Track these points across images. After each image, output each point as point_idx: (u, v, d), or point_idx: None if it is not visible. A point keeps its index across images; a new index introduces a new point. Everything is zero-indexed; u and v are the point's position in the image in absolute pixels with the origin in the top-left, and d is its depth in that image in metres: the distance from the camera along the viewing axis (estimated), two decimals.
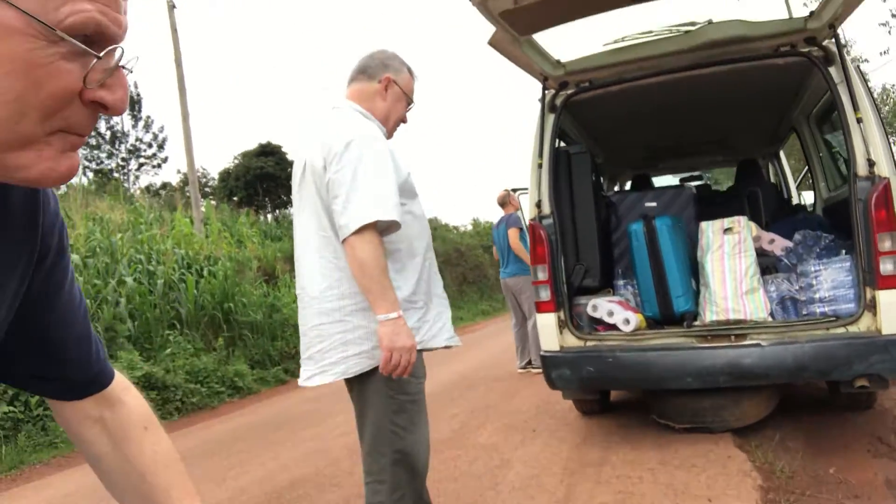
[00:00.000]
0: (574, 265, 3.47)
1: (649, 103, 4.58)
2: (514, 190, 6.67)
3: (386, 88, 2.00)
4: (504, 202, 7.27)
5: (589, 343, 3.22)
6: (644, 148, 5.37)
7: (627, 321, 3.19)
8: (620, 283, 3.51)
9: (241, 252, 14.85)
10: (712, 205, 4.27)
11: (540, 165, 3.41)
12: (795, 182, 5.95)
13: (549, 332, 3.21)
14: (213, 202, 26.18)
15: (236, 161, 29.43)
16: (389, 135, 2.03)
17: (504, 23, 2.94)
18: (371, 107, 1.98)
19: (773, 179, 5.87)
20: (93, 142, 29.42)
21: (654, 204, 3.60)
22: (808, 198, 6.27)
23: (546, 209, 3.40)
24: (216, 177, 31.05)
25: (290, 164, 20.65)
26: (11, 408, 6.77)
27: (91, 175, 28.73)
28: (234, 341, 10.81)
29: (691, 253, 3.28)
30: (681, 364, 2.97)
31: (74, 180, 19.47)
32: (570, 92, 3.46)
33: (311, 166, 1.88)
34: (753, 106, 4.26)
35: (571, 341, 3.22)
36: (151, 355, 9.26)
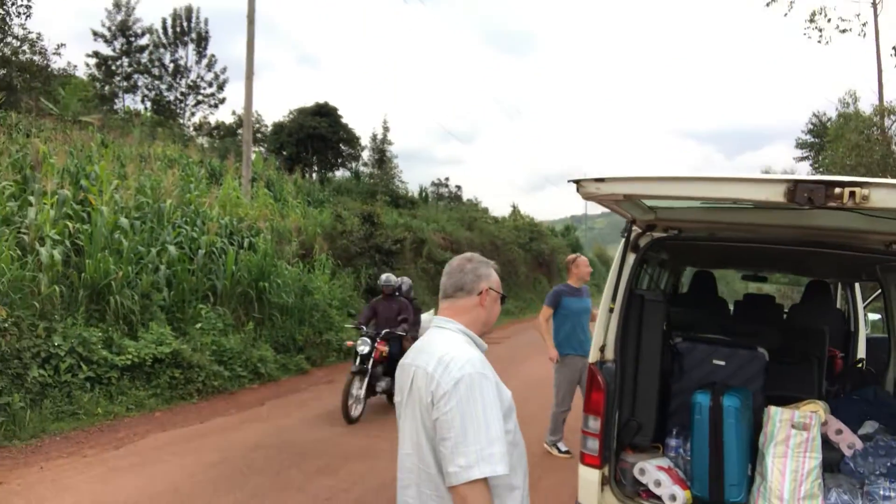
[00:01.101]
0: (628, 419, 3.34)
1: (736, 257, 4.39)
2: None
3: (485, 298, 1.97)
4: (568, 267, 6.45)
5: None
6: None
7: (674, 497, 3.06)
8: (672, 442, 3.36)
9: (284, 222, 14.91)
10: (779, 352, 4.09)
11: (611, 310, 3.28)
12: (864, 304, 5.69)
13: (590, 488, 3.11)
14: (262, 153, 26.33)
15: (291, 116, 29.46)
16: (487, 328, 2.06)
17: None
18: (474, 318, 1.99)
19: (840, 304, 5.64)
20: (155, 72, 29.62)
21: (722, 363, 3.43)
22: (871, 316, 6.00)
23: (609, 355, 3.28)
24: (269, 125, 31.17)
25: (343, 127, 20.64)
26: (42, 371, 6.90)
27: (150, 104, 29.04)
28: (262, 322, 10.89)
29: (754, 434, 3.14)
30: None
31: (133, 105, 19.57)
32: (657, 236, 3.30)
33: (418, 388, 1.83)
34: (845, 269, 4.04)
35: (611, 502, 3.12)
36: (182, 328, 9.38)
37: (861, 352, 5.20)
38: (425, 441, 1.79)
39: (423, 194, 32.96)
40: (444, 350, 1.83)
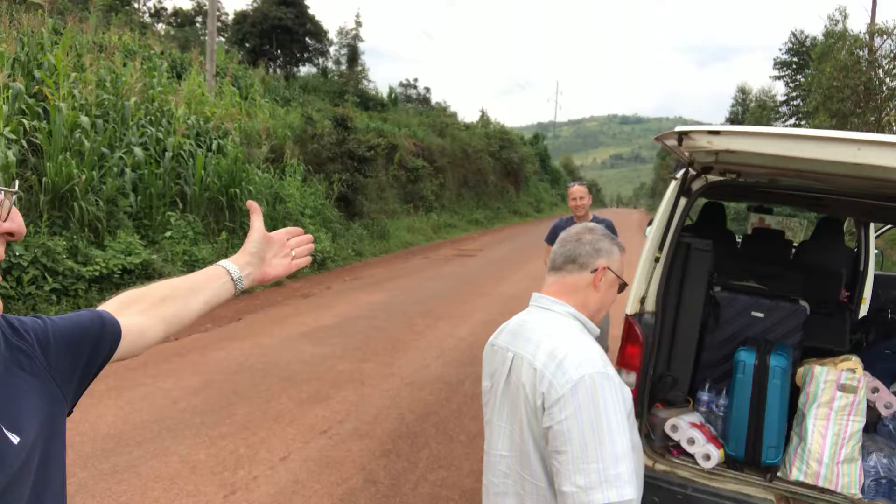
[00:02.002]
0: (662, 373, 3.16)
1: (790, 201, 4.11)
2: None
3: (600, 278, 1.63)
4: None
5: (659, 466, 2.98)
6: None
7: (708, 457, 2.93)
8: (704, 397, 3.20)
9: (252, 123, 14.13)
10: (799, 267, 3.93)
11: (657, 259, 3.01)
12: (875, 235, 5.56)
13: None
14: (223, 45, 24.70)
15: (255, 5, 27.60)
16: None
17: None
18: (583, 301, 1.63)
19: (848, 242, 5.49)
20: None
21: (761, 316, 3.24)
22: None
23: (650, 307, 3.04)
24: (231, 14, 29.20)
25: (311, 19, 19.53)
26: (3, 283, 6.45)
27: None
28: (233, 231, 10.45)
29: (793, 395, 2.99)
30: None
31: None
32: (712, 180, 3.00)
33: (521, 385, 1.50)
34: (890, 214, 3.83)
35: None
36: (150, 237, 8.89)
37: (868, 292, 5.12)
38: (532, 449, 1.47)
39: (393, 96, 31.84)
40: (556, 342, 1.49)
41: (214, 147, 11.25)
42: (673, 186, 3.07)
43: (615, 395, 1.42)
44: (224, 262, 1.28)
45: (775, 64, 27.88)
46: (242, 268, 1.29)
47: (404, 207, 19.60)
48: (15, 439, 0.82)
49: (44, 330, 0.96)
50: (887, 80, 13.79)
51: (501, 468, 1.56)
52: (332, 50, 29.25)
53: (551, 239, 4.88)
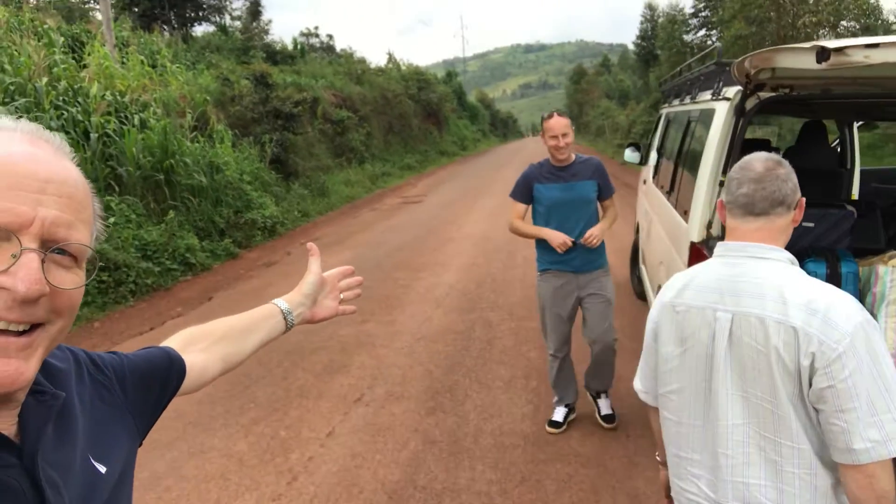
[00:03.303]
0: None
1: (840, 110, 4.07)
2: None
3: (799, 213, 1.52)
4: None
5: None
6: None
7: None
8: None
9: (168, 92, 13.21)
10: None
11: (721, 183, 2.95)
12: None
13: None
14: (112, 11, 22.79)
15: None
16: None
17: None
18: (785, 240, 1.51)
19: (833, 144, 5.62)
20: None
21: (811, 225, 3.27)
22: None
23: (716, 232, 3.00)
24: None
25: None
26: None
27: None
28: (176, 208, 9.84)
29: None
30: None
31: None
32: (765, 97, 2.93)
33: (767, 347, 1.37)
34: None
35: None
36: None
37: (856, 189, 5.30)
38: (792, 412, 1.36)
39: (299, 47, 30.49)
40: (805, 294, 1.37)
41: (137, 122, 10.45)
42: (728, 108, 3.00)
43: (881, 337, 1.35)
44: (279, 301, 1.33)
45: None
46: (295, 308, 1.33)
47: (336, 161, 19.04)
48: (102, 469, 0.85)
49: (121, 365, 1.00)
50: None
51: (737, 437, 1.45)
52: (230, 5, 27.57)
53: (523, 194, 3.70)
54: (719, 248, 1.57)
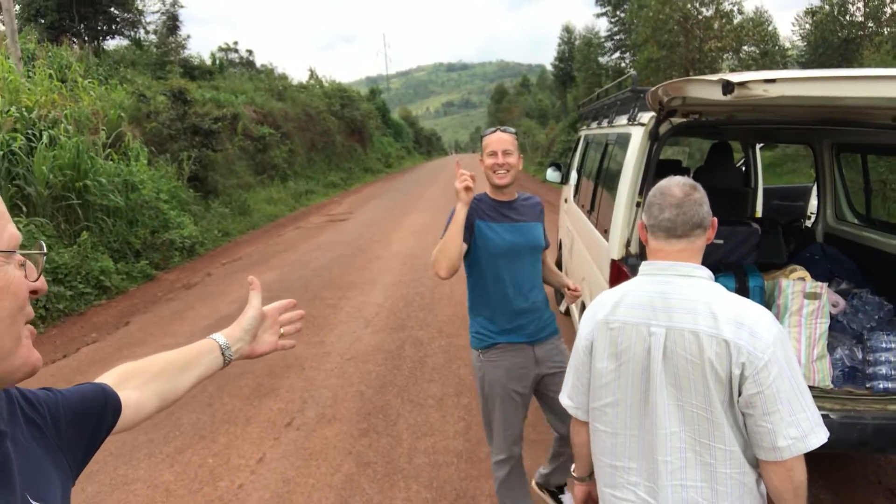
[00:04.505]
0: None
1: (743, 134, 4.33)
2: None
3: (712, 233, 1.66)
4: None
5: None
6: None
7: None
8: None
9: (79, 107, 12.66)
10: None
11: (639, 204, 3.12)
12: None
13: None
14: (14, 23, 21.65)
15: None
16: None
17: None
18: (700, 258, 1.65)
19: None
20: None
21: (721, 242, 3.49)
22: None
23: (634, 249, 3.16)
24: None
25: None
26: None
27: None
28: (89, 229, 9.42)
29: None
30: None
31: None
32: (677, 122, 3.12)
33: (701, 360, 1.49)
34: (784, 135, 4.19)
35: None
36: None
37: (759, 206, 5.68)
38: (724, 418, 1.49)
39: (217, 62, 29.83)
40: (731, 309, 1.51)
41: (46, 139, 9.96)
42: (643, 134, 3.18)
43: (791, 345, 1.51)
44: (217, 336, 1.30)
45: (597, 1, 29.39)
46: (234, 343, 1.31)
47: (258, 179, 18.68)
48: None
49: (55, 403, 0.98)
50: (703, 9, 15.12)
51: (674, 444, 1.56)
52: (144, 19, 26.69)
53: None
54: (646, 266, 1.68)
